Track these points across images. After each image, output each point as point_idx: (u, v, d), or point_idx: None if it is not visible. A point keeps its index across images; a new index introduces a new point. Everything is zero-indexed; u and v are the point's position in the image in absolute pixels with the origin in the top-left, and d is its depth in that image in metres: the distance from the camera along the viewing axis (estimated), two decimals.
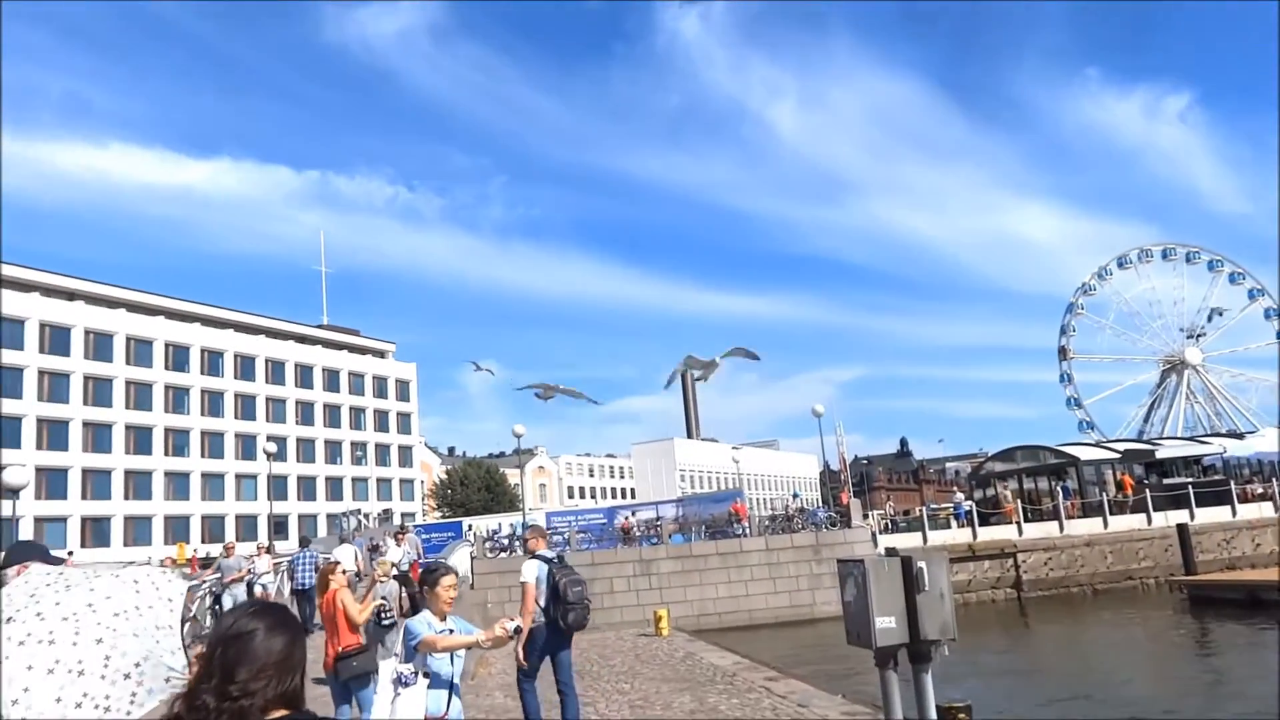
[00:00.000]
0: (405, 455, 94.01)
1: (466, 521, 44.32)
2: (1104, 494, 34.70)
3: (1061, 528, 32.36)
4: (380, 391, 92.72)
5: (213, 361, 77.47)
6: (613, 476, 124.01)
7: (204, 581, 18.72)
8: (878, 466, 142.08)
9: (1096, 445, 46.23)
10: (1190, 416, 68.23)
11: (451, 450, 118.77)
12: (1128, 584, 30.85)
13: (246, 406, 79.39)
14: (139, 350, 71.74)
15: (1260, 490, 36.56)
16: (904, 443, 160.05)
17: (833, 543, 27.23)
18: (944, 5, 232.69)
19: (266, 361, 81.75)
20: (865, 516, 32.26)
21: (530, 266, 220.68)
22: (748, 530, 29.96)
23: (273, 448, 48.20)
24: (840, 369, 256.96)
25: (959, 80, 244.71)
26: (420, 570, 17.67)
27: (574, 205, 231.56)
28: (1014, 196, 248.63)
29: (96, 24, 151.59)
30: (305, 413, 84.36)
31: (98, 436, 67.83)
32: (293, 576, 19.41)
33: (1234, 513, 33.42)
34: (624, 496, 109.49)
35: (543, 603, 7.90)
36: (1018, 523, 32.29)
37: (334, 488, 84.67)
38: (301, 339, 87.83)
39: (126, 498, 68.67)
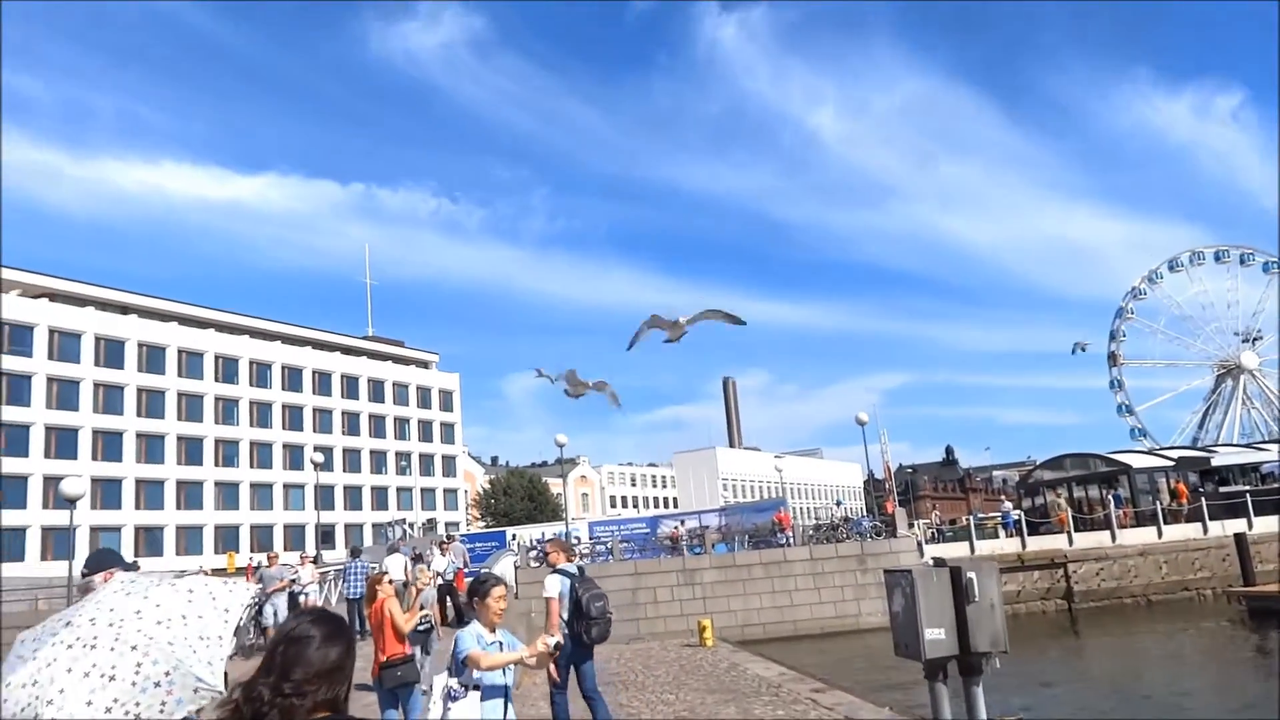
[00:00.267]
0: (449, 465, 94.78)
1: (510, 531, 44.53)
2: (1158, 502, 33.92)
3: (1114, 537, 31.69)
4: (424, 402, 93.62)
5: (261, 373, 78.80)
6: (655, 486, 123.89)
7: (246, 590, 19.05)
8: (923, 475, 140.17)
9: (1149, 453, 45.25)
10: (1247, 423, 66.59)
11: (494, 460, 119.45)
12: (1183, 595, 30.09)
13: (294, 417, 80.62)
14: (190, 363, 73.22)
15: None
16: (949, 451, 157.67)
17: (878, 552, 26.93)
18: (985, 6, 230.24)
19: (313, 373, 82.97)
20: (910, 526, 31.88)
21: (571, 276, 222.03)
22: (791, 540, 29.75)
23: (320, 458, 48.88)
24: (884, 376, 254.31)
25: (1003, 82, 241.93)
26: (467, 580, 17.84)
27: (615, 215, 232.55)
28: (1060, 199, 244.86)
29: (149, 46, 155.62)
30: (351, 423, 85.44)
31: (150, 447, 69.29)
32: (347, 585, 19.89)
33: None
34: (666, 506, 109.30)
35: (565, 616, 7.97)
36: (1068, 532, 31.66)
37: (379, 497, 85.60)
38: (347, 350, 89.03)
39: (178, 508, 70.03)
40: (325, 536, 70.97)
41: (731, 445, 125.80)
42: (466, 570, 21.35)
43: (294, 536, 74.34)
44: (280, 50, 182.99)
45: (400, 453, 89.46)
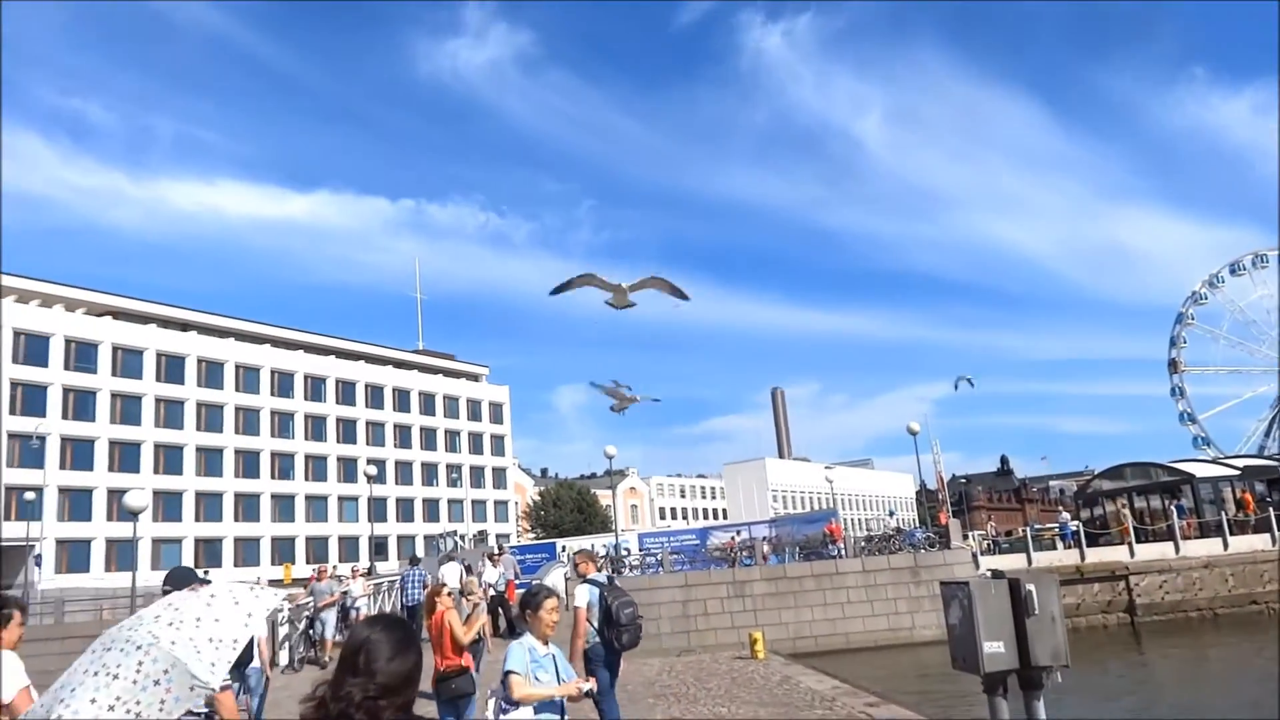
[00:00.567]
0: (499, 477, 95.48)
1: (560, 543, 44.70)
2: (1223, 513, 32.97)
3: (1177, 549, 30.84)
4: (474, 414, 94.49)
5: (315, 387, 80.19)
6: (704, 497, 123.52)
7: (297, 605, 19.40)
8: (977, 485, 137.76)
9: (1213, 462, 44.00)
10: None
11: (544, 472, 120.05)
12: (1251, 609, 29.14)
13: (348, 431, 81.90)
14: (247, 377, 74.80)
15: None
16: (1004, 460, 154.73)
17: (932, 564, 26.53)
18: (1033, 8, 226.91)
19: (366, 387, 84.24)
20: (965, 537, 31.39)
21: None
22: (843, 551, 29.44)
23: (373, 470, 49.54)
24: (935, 385, 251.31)
25: (1053, 85, 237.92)
26: (519, 591, 17.96)
27: (662, 226, 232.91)
28: (1115, 203, 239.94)
29: (206, 70, 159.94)
30: (403, 436, 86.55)
31: (209, 461, 70.88)
32: (404, 593, 20.38)
33: None
34: (715, 517, 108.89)
35: (596, 624, 8.17)
36: (1129, 543, 30.90)
37: (430, 509, 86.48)
38: (399, 364, 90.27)
39: (236, 520, 71.46)
40: (378, 548, 71.88)
41: (781, 456, 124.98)
42: (517, 582, 21.49)
43: (348, 548, 75.42)
44: (331, 71, 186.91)
45: (451, 465, 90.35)
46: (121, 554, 59.20)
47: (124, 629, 3.26)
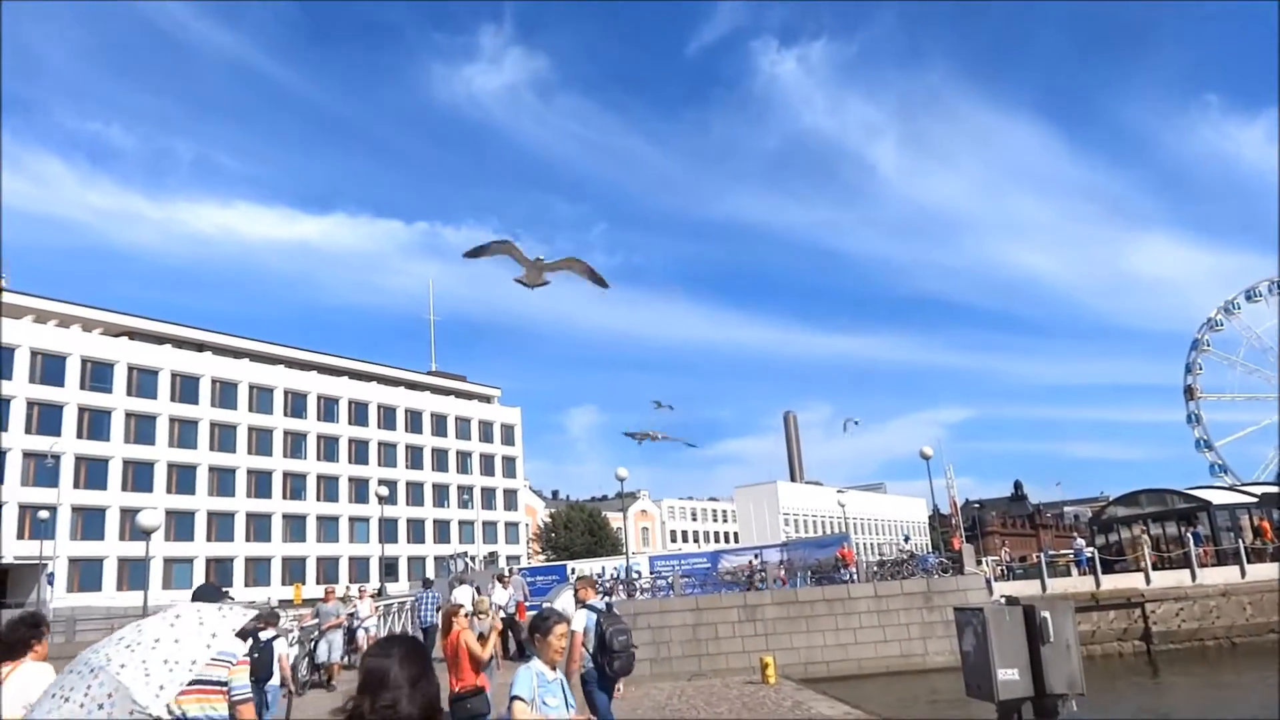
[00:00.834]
0: (510, 499, 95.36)
1: (570, 565, 44.57)
2: (1240, 541, 32.64)
3: (1194, 576, 30.53)
4: (486, 436, 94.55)
5: (328, 408, 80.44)
6: (715, 520, 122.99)
7: (302, 627, 19.35)
8: (990, 511, 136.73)
9: (1230, 489, 43.62)
10: None
11: (555, 494, 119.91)
12: (1270, 638, 28.76)
13: (360, 451, 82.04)
14: (260, 398, 75.13)
15: None
16: (1018, 486, 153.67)
17: (945, 590, 26.31)
18: (1050, 33, 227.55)
19: (378, 408, 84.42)
20: (979, 562, 31.11)
21: (632, 310, 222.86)
22: (855, 576, 29.25)
23: (384, 491, 49.64)
24: (948, 410, 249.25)
25: (1067, 110, 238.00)
26: (529, 612, 17.92)
27: (674, 249, 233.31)
28: (1130, 229, 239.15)
29: (224, 94, 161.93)
30: (415, 457, 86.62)
31: (222, 481, 71.07)
32: (418, 614, 20.45)
33: None
34: (727, 540, 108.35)
35: (591, 650, 8.40)
36: (1145, 571, 30.60)
37: (441, 530, 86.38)
38: (411, 385, 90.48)
39: (248, 540, 71.55)
40: (389, 569, 71.78)
41: (793, 479, 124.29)
42: (527, 604, 21.45)
43: (359, 569, 75.34)
44: (349, 95, 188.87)
45: (462, 486, 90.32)
46: (134, 573, 59.36)
47: (90, 650, 3.30)
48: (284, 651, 10.70)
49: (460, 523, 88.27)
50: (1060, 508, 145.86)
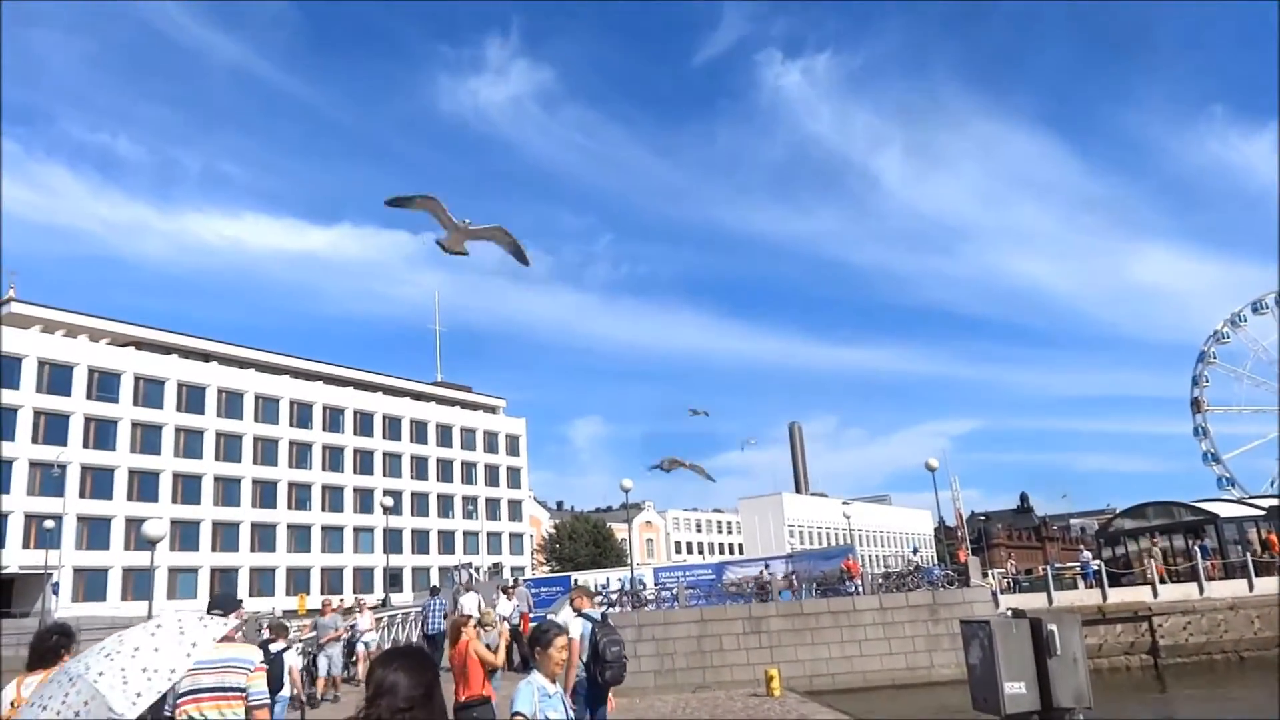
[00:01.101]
0: (515, 509, 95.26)
1: (574, 576, 44.44)
2: (1248, 554, 32.48)
3: (1201, 589, 30.35)
4: (491, 447, 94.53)
5: (334, 419, 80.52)
6: (720, 532, 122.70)
7: (301, 640, 19.25)
8: (996, 523, 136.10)
9: (1238, 502, 43.42)
10: None
11: (560, 504, 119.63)
12: (1277, 651, 28.59)
13: (365, 462, 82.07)
14: (266, 408, 75.22)
15: None
16: (1024, 498, 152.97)
17: (950, 602, 26.20)
18: (1056, 44, 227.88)
19: (384, 418, 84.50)
20: (984, 575, 31.02)
21: (637, 321, 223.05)
22: (860, 588, 29.14)
23: (389, 502, 49.55)
24: (954, 421, 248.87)
25: (1073, 120, 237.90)
26: (531, 626, 17.90)
27: (679, 260, 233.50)
28: (1135, 240, 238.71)
29: (232, 105, 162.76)
30: (420, 468, 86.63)
31: (227, 491, 71.12)
32: (425, 622, 20.48)
33: None
34: (731, 552, 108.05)
35: (584, 659, 8.40)
36: (1153, 584, 30.44)
37: (446, 541, 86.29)
38: (417, 396, 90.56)
39: (252, 550, 71.53)
40: (393, 580, 71.68)
41: (798, 491, 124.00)
42: (531, 615, 21.41)
43: (363, 579, 75.30)
44: (355, 107, 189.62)
45: (467, 497, 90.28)
46: (138, 583, 59.30)
47: (74, 660, 3.32)
48: (294, 663, 10.70)
49: (465, 533, 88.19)
50: (1066, 520, 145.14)
